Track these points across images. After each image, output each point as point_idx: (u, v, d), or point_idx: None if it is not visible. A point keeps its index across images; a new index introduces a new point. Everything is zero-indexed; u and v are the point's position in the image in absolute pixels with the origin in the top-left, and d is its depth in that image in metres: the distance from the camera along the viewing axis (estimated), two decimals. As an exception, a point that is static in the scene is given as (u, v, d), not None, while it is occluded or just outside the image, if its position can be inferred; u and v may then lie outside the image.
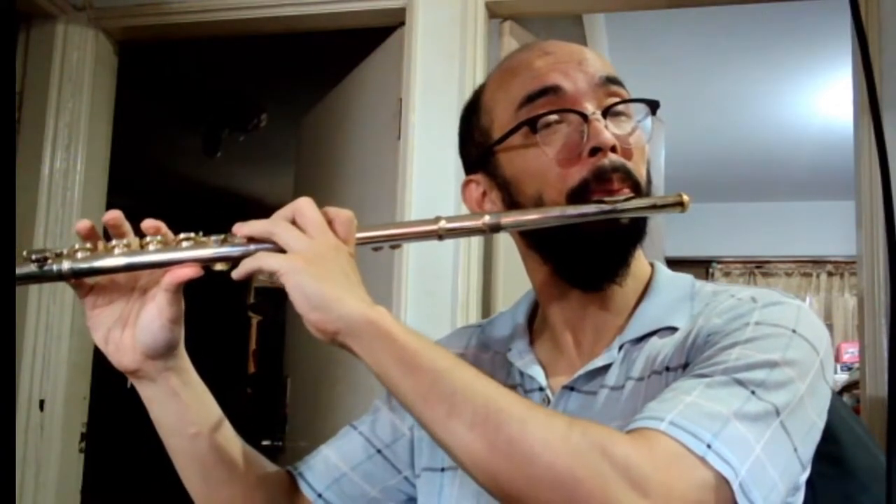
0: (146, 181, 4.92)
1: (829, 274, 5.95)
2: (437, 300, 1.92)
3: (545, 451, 0.59)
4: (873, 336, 1.79)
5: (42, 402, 2.10)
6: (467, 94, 2.19)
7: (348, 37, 2.24)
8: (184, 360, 0.78)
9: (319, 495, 0.88)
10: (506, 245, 2.00)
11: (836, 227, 5.16)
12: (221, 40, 2.59)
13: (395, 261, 1.94)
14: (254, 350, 6.39)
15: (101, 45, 2.30)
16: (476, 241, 1.95)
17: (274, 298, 5.92)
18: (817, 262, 5.94)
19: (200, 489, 0.82)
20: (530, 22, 2.20)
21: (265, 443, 2.44)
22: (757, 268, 6.07)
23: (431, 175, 1.98)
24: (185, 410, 0.78)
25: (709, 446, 0.60)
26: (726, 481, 0.60)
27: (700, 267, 5.93)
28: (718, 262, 6.06)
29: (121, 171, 2.45)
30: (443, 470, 0.85)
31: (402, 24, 2.09)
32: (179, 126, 4.22)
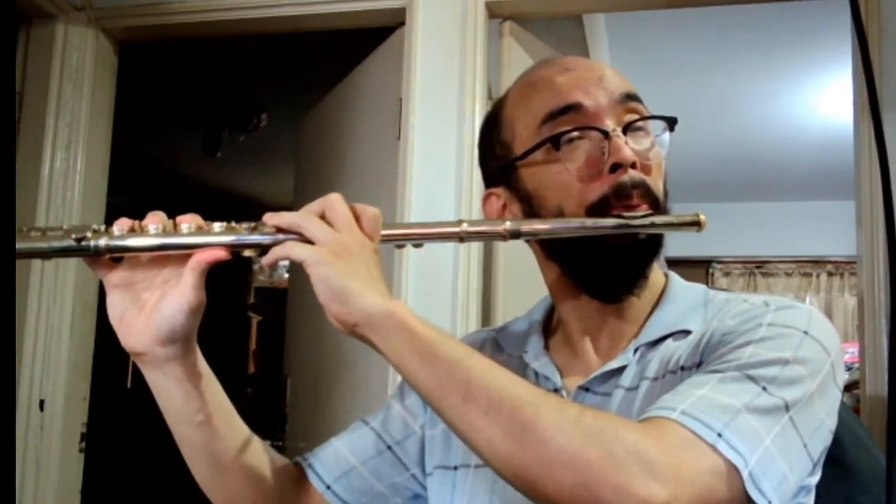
0: (146, 181, 4.92)
1: (829, 274, 5.94)
2: (436, 301, 1.92)
3: (558, 434, 0.61)
4: (873, 336, 1.79)
5: (42, 402, 2.10)
6: (467, 95, 2.20)
7: (348, 37, 2.24)
8: (193, 353, 0.78)
9: (328, 487, 0.88)
10: (506, 247, 2.00)
11: (836, 227, 5.16)
12: (221, 40, 2.59)
13: (396, 261, 1.94)
14: (254, 350, 6.39)
15: (101, 45, 2.31)
16: (476, 243, 1.95)
17: (274, 298, 5.92)
18: (817, 262, 5.93)
19: (207, 477, 0.83)
20: (530, 22, 2.20)
21: (265, 443, 2.44)
22: (757, 268, 6.06)
23: (431, 175, 1.98)
24: (190, 399, 0.78)
25: (719, 435, 0.62)
26: (736, 470, 0.61)
27: (700, 267, 5.93)
28: (718, 262, 6.06)
29: (121, 171, 2.46)
30: (455, 468, 0.86)
31: (402, 24, 2.10)
32: (179, 126, 4.23)
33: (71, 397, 2.16)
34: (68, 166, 2.21)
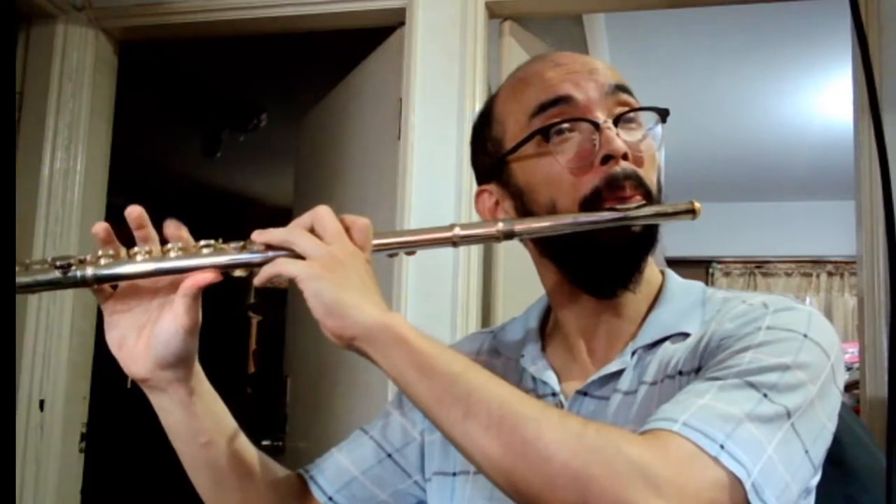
0: (146, 181, 4.91)
1: (829, 274, 5.94)
2: (436, 302, 1.92)
3: (560, 451, 0.60)
4: (873, 336, 1.79)
5: (42, 402, 2.10)
6: (467, 95, 2.20)
7: (348, 37, 2.24)
8: (196, 372, 0.78)
9: (330, 498, 0.88)
10: (506, 247, 1.99)
11: (836, 227, 5.15)
12: (221, 40, 2.59)
13: (395, 262, 1.94)
14: (254, 350, 6.38)
15: (101, 45, 2.31)
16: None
17: (274, 298, 5.91)
18: (817, 262, 5.93)
19: (211, 495, 0.83)
20: (530, 22, 2.20)
21: (265, 443, 2.44)
22: (757, 268, 6.06)
23: (431, 175, 1.98)
24: (195, 420, 0.78)
25: (722, 447, 0.61)
26: (739, 481, 0.61)
27: (700, 267, 5.92)
28: (718, 262, 6.05)
29: (121, 171, 2.45)
30: (454, 474, 0.86)
31: (402, 24, 2.10)
32: (179, 126, 4.22)
33: (71, 397, 2.16)
34: (68, 166, 2.21)
